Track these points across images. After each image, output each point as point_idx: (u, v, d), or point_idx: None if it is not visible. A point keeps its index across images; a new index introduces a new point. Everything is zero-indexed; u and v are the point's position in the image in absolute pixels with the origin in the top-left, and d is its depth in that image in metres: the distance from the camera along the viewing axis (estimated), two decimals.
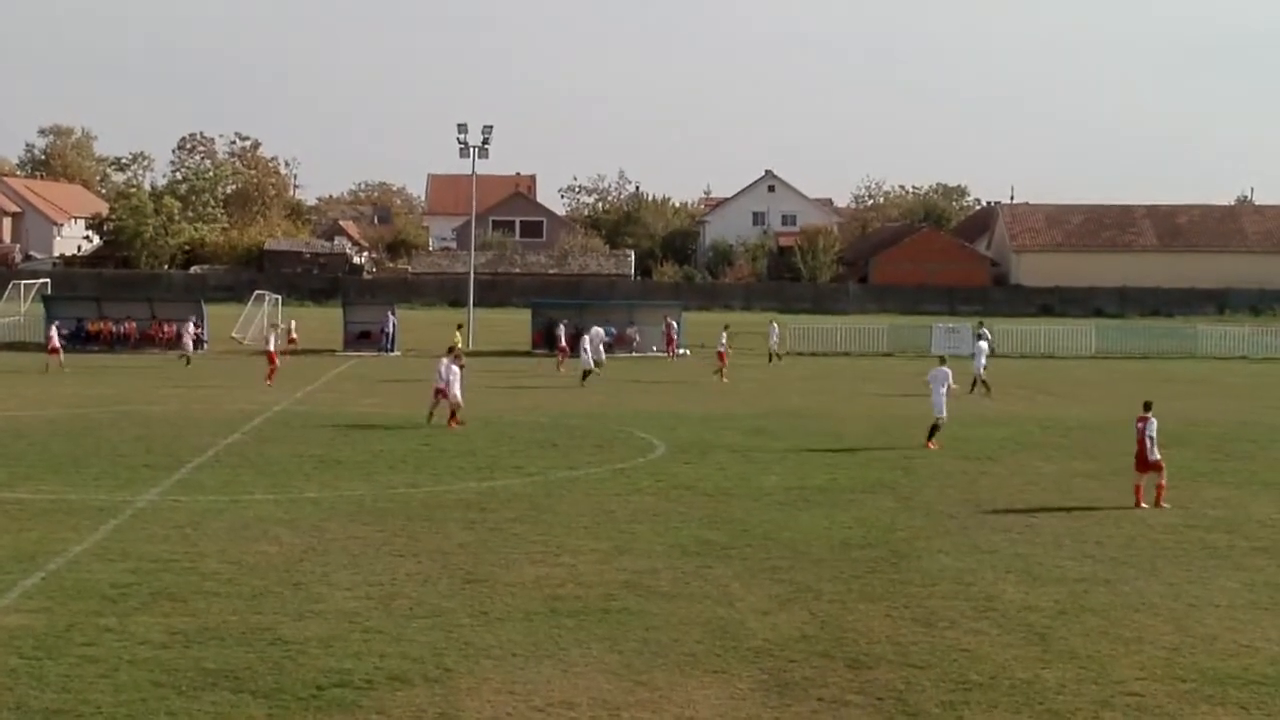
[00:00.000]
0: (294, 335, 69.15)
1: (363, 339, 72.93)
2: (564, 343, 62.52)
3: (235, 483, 29.01)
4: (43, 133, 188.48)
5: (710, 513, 26.23)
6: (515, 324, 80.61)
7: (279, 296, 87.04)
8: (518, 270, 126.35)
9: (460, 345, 53.10)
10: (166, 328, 72.04)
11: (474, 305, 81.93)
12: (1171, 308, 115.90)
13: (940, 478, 30.76)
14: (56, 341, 60.69)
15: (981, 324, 53.38)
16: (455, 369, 39.26)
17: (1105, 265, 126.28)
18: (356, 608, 18.85)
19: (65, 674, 15.84)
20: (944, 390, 36.52)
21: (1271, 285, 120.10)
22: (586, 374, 53.50)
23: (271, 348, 54.52)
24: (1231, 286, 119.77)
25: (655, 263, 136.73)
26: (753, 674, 16.27)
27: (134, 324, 71.44)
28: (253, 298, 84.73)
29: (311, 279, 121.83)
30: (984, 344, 52.45)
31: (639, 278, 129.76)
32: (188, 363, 61.76)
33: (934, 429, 36.06)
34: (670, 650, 17.12)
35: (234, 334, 77.20)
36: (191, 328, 65.15)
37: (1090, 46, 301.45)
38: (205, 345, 71.68)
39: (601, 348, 57.65)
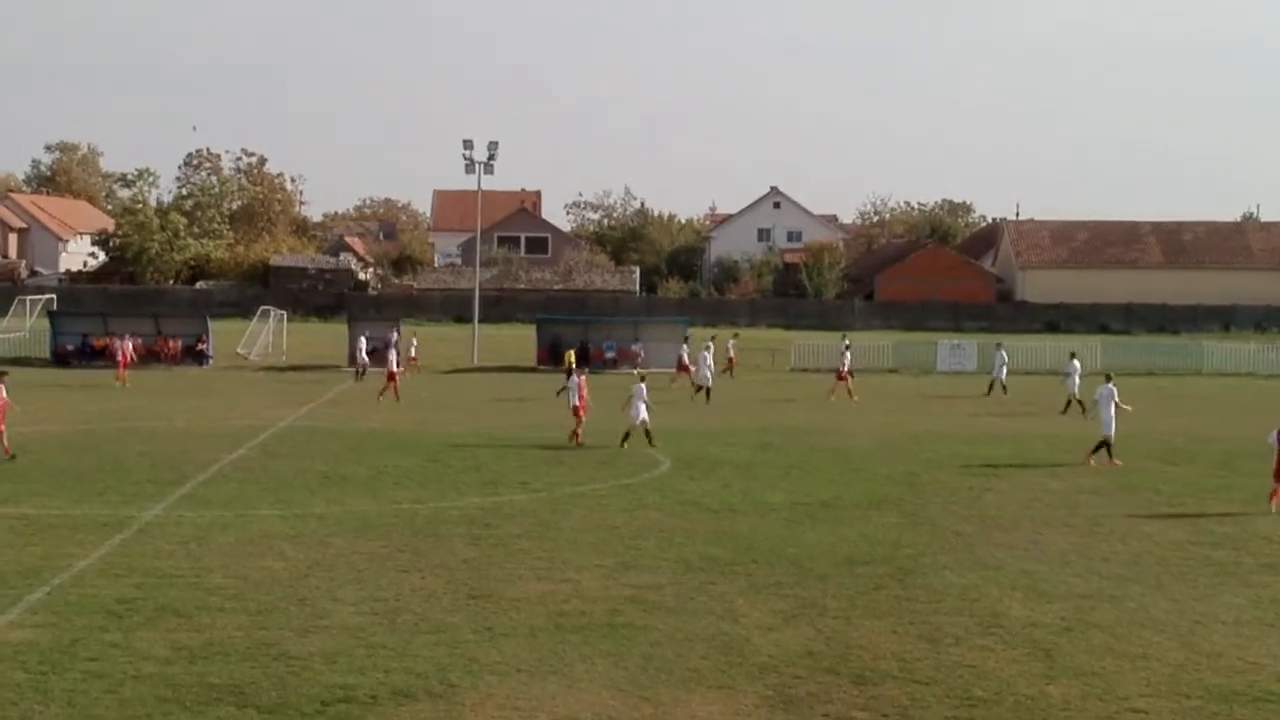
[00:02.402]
0: (414, 355, 69.18)
1: (368, 355, 72.84)
2: (686, 360, 62.36)
3: (241, 498, 29.03)
4: (49, 149, 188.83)
5: (715, 529, 26.23)
6: (520, 340, 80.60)
7: (284, 312, 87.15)
8: (523, 286, 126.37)
9: (573, 364, 54.00)
10: (172, 343, 72.13)
11: (479, 321, 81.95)
12: (1177, 324, 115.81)
13: (945, 494, 30.75)
14: (128, 355, 61.81)
15: (1073, 355, 53.45)
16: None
17: (1111, 282, 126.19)
18: (361, 623, 18.85)
19: (70, 689, 15.84)
20: (1112, 407, 36.37)
21: (1278, 302, 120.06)
22: (706, 391, 53.73)
23: (394, 366, 54.85)
24: (1237, 303, 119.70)
25: (660, 279, 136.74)
26: (757, 690, 16.26)
27: (139, 340, 71.38)
28: (258, 313, 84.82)
29: (316, 295, 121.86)
30: (1076, 363, 52.49)
31: (644, 294, 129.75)
32: (360, 375, 62.03)
33: (1102, 445, 36.12)
34: (675, 666, 17.11)
35: (239, 349, 77.28)
36: (364, 342, 64.78)
37: (1096, 63, 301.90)
38: (210, 360, 71.79)
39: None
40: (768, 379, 65.68)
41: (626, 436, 38.40)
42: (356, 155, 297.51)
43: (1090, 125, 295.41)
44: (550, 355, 73.26)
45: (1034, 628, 19.14)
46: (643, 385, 39.38)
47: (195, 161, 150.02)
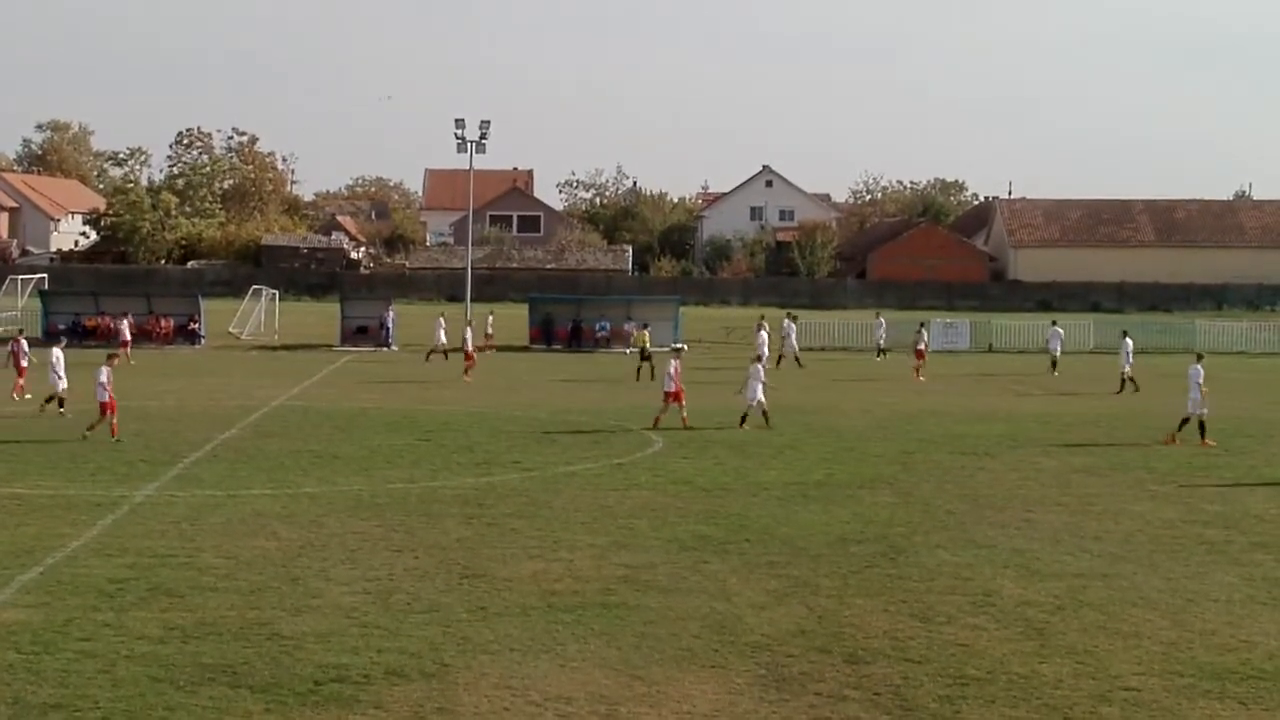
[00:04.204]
0: (490, 331, 69.36)
1: (360, 334, 72.88)
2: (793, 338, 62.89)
3: (233, 478, 29.00)
4: (40, 128, 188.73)
5: (708, 508, 26.22)
6: (513, 319, 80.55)
7: (276, 292, 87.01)
8: (515, 265, 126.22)
9: (648, 346, 55.30)
10: (164, 323, 71.99)
11: (471, 300, 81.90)
12: (1169, 303, 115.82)
13: (938, 473, 30.75)
14: (127, 334, 62.34)
15: (1125, 333, 53.78)
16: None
17: (1103, 260, 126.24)
18: (354, 603, 18.84)
19: (63, 669, 15.82)
20: (1199, 386, 36.24)
21: (1270, 280, 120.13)
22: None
23: (469, 346, 55.09)
24: (1229, 282, 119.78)
25: (653, 258, 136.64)
26: (750, 669, 16.26)
27: (131, 319, 71.20)
28: (250, 293, 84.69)
29: (309, 274, 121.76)
30: (1129, 341, 52.68)
31: (637, 273, 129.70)
32: (440, 357, 61.82)
33: (1185, 422, 36.11)
34: (667, 645, 17.11)
35: (231, 329, 77.21)
36: (443, 322, 64.77)
37: (1089, 43, 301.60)
38: (203, 340, 71.68)
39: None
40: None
41: (745, 418, 38.22)
42: (348, 134, 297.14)
43: (1083, 104, 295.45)
44: (543, 334, 73.29)
45: (1026, 606, 19.16)
46: (759, 366, 39.47)
47: (187, 140, 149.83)
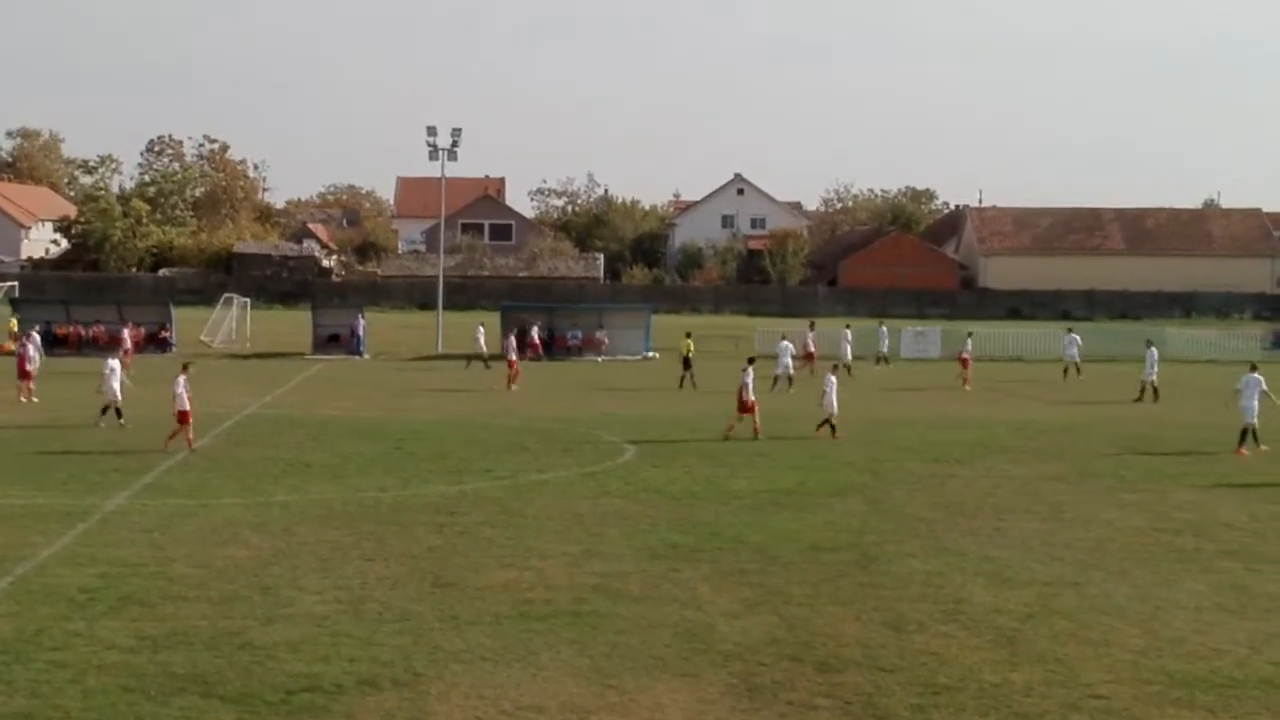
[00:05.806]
0: (536, 341, 69.71)
1: (332, 342, 72.75)
2: (812, 347, 62.83)
3: (204, 487, 28.91)
4: (10, 135, 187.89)
5: (679, 516, 26.23)
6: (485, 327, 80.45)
7: (248, 300, 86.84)
8: (487, 273, 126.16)
9: (691, 353, 55.53)
10: (134, 331, 71.73)
11: (443, 308, 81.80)
12: (1139, 311, 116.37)
13: (909, 481, 30.82)
14: (129, 343, 63.03)
15: (1149, 343, 54.20)
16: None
17: (1073, 268, 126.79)
18: (326, 612, 18.80)
19: (33, 679, 15.76)
20: (1256, 397, 36.43)
21: (1238, 288, 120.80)
22: (781, 379, 54.21)
23: (513, 355, 55.53)
24: (1198, 290, 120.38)
25: (624, 266, 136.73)
26: (721, 677, 16.27)
27: (102, 327, 71.03)
28: (221, 301, 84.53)
29: (280, 282, 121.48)
30: (1154, 350, 53.05)
31: (608, 280, 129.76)
32: (485, 365, 63.30)
33: (1245, 433, 36.32)
34: (639, 653, 17.11)
35: (203, 337, 77.01)
36: (482, 330, 65.50)
37: (1058, 52, 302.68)
38: (174, 348, 71.46)
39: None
40: (731, 366, 65.63)
41: (823, 424, 38.41)
42: (319, 142, 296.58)
43: (1055, 113, 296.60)
44: (517, 343, 73.25)
45: (997, 614, 19.20)
46: (834, 376, 39.60)
47: (158, 148, 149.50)
